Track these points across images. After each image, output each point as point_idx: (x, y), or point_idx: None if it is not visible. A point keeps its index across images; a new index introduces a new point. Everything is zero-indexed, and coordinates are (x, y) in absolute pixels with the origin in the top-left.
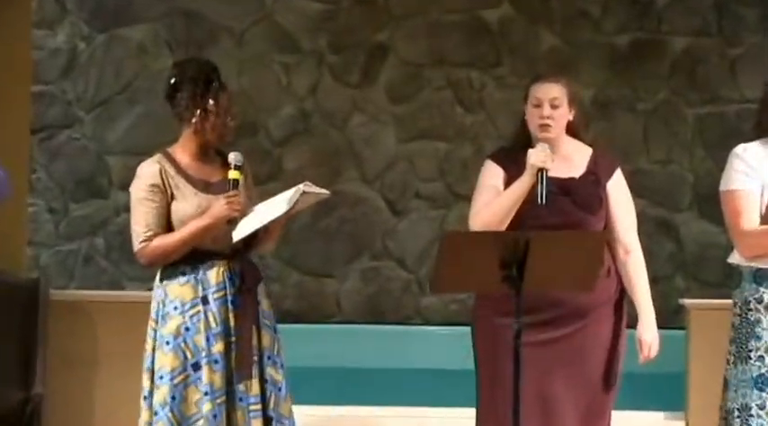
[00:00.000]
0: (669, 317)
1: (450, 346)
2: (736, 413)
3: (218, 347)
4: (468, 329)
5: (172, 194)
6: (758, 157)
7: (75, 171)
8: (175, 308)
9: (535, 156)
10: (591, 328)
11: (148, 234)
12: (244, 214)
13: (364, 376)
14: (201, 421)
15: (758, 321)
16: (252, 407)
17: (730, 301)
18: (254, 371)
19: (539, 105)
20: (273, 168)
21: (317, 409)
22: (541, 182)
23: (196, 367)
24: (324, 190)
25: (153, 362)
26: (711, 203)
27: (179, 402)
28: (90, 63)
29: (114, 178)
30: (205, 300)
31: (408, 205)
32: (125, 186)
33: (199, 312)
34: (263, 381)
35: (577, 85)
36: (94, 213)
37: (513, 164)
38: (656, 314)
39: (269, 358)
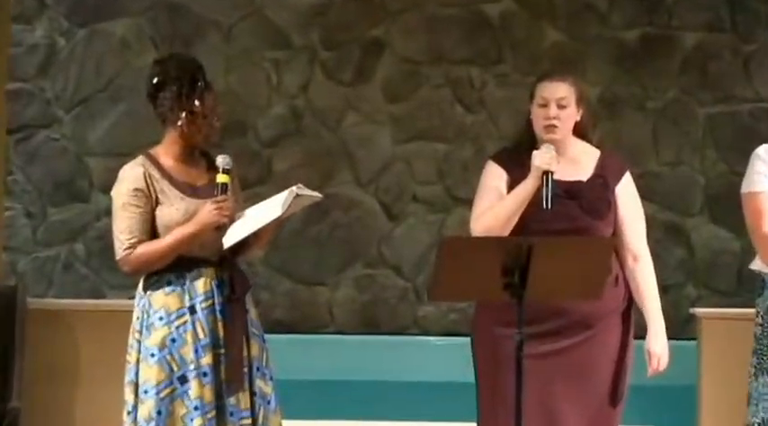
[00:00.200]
0: (679, 327)
1: (449, 357)
2: None
3: (206, 359)
4: (467, 339)
5: (157, 199)
6: None
7: (54, 173)
8: (161, 319)
9: (540, 158)
10: (598, 338)
11: (132, 241)
12: (233, 220)
13: (358, 389)
14: None
15: None
16: (243, 421)
17: (744, 310)
18: (245, 384)
19: (545, 105)
20: (263, 170)
21: (308, 424)
22: (547, 186)
23: (183, 380)
24: (316, 194)
25: (137, 375)
26: (723, 207)
27: (165, 416)
28: (70, 59)
29: (95, 180)
30: (192, 310)
31: (405, 209)
32: (106, 189)
33: (186, 322)
34: (251, 394)
35: (583, 83)
36: (74, 217)
37: (516, 166)
38: (666, 324)
39: (258, 369)
